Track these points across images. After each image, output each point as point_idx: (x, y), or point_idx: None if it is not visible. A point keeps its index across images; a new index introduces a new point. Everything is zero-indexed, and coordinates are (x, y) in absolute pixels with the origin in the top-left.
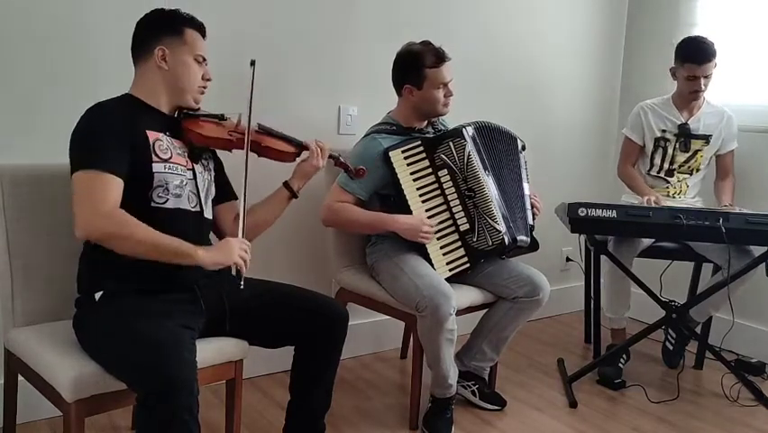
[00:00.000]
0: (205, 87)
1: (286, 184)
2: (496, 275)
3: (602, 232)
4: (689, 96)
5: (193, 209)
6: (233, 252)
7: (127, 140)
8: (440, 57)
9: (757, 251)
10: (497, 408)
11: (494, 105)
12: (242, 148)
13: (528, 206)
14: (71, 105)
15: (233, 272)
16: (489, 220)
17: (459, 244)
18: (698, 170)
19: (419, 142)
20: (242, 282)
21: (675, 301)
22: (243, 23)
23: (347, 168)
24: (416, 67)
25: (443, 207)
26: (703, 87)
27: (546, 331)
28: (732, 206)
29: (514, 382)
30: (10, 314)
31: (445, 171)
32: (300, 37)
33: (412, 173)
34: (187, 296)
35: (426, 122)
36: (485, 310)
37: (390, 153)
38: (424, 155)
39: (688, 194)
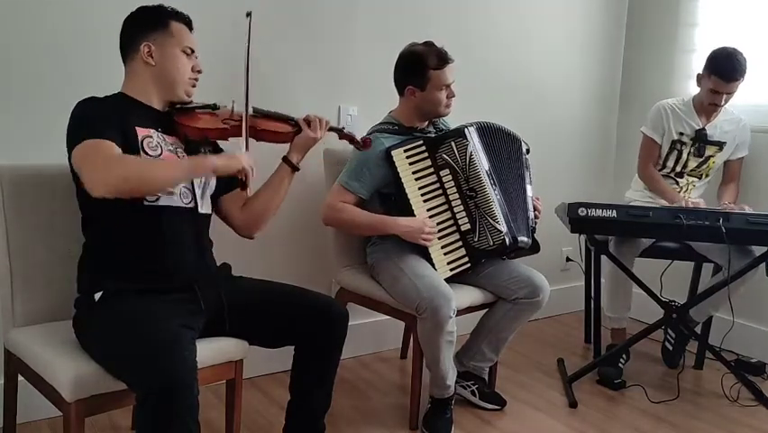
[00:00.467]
0: (196, 80)
1: (285, 159)
2: (496, 276)
3: (602, 232)
4: (708, 106)
5: (186, 206)
6: (242, 160)
7: (118, 125)
8: (443, 59)
9: (758, 251)
10: (496, 408)
11: (494, 106)
12: (239, 136)
13: (531, 207)
14: (71, 106)
15: (239, 179)
16: (491, 220)
17: (460, 243)
18: (707, 176)
19: (421, 142)
20: (248, 190)
21: (675, 301)
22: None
23: (352, 139)
24: (419, 68)
25: (445, 206)
26: (724, 102)
27: (546, 331)
28: (731, 204)
29: (514, 382)
30: (10, 314)
31: (447, 171)
32: (300, 37)
33: (414, 172)
34: (186, 296)
35: (428, 122)
36: (485, 311)
37: (393, 153)
38: (426, 155)
39: (692, 195)
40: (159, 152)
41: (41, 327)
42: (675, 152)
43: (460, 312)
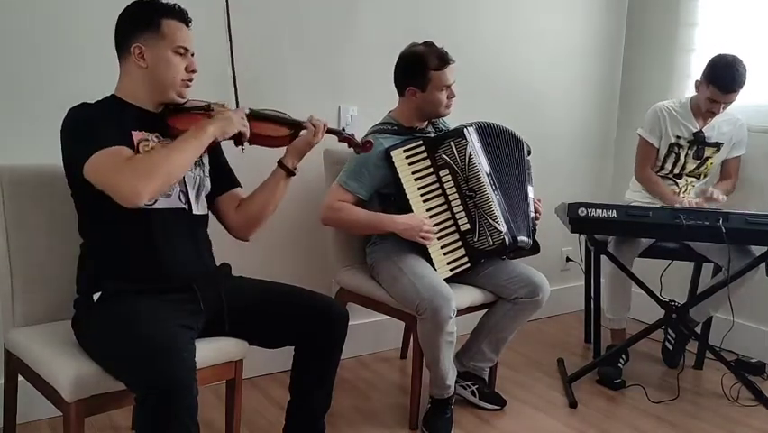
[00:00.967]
0: (190, 80)
1: (280, 162)
2: (496, 275)
3: (602, 232)
4: (705, 112)
5: (181, 207)
6: (235, 122)
7: (114, 127)
8: (444, 59)
9: (757, 251)
10: (496, 408)
11: (494, 106)
12: (232, 138)
13: (531, 208)
14: (71, 106)
15: (236, 141)
16: (490, 220)
17: (459, 243)
18: (705, 176)
19: (421, 142)
20: (243, 148)
21: (675, 301)
22: (243, 23)
23: (351, 141)
24: (420, 69)
25: (444, 206)
26: (722, 110)
27: (546, 331)
28: (714, 195)
29: (514, 382)
30: (10, 314)
31: (446, 171)
32: (300, 37)
33: (413, 173)
34: (186, 296)
35: (427, 122)
36: (485, 310)
37: (392, 153)
38: (425, 155)
39: (691, 195)
40: None
41: (40, 327)
42: (673, 155)
43: (460, 312)
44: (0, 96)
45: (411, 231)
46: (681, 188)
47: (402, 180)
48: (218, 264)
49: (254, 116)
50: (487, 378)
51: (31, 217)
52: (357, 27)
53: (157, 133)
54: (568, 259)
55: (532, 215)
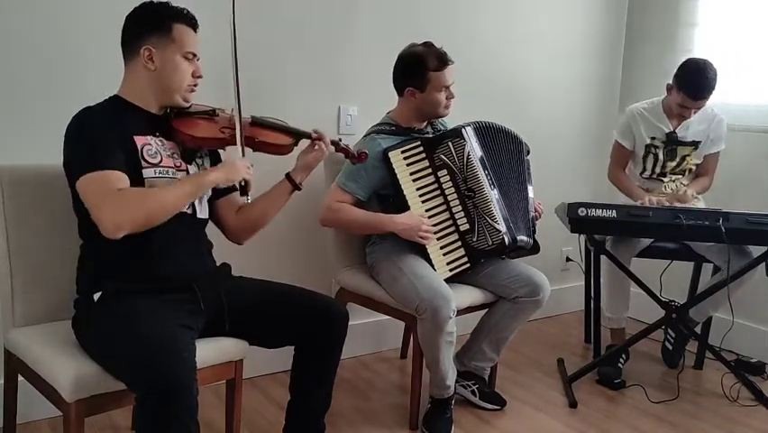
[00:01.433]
0: (195, 85)
1: (288, 177)
2: (496, 275)
3: (602, 232)
4: (677, 115)
5: (185, 212)
6: (240, 170)
7: (116, 143)
8: (443, 60)
9: (757, 251)
10: (497, 407)
11: (494, 106)
12: (236, 144)
13: (531, 207)
14: (71, 106)
15: (239, 187)
16: (489, 220)
17: (459, 244)
18: (690, 171)
19: (419, 143)
20: (248, 197)
21: (675, 301)
22: (243, 23)
23: (348, 153)
24: (419, 69)
25: (443, 207)
26: (692, 115)
27: (546, 331)
28: (687, 193)
29: (514, 382)
30: (10, 314)
31: (445, 172)
32: (300, 37)
33: (411, 174)
34: (186, 296)
35: (426, 122)
36: (485, 310)
37: (390, 154)
38: (423, 155)
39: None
40: (158, 159)
41: (40, 327)
42: (651, 156)
43: (460, 312)
44: (0, 96)
45: (410, 231)
46: (667, 186)
47: (400, 181)
48: (218, 264)
49: (257, 124)
50: (487, 378)
51: (31, 217)
52: (357, 27)
53: (159, 136)
54: (568, 259)
55: (532, 214)
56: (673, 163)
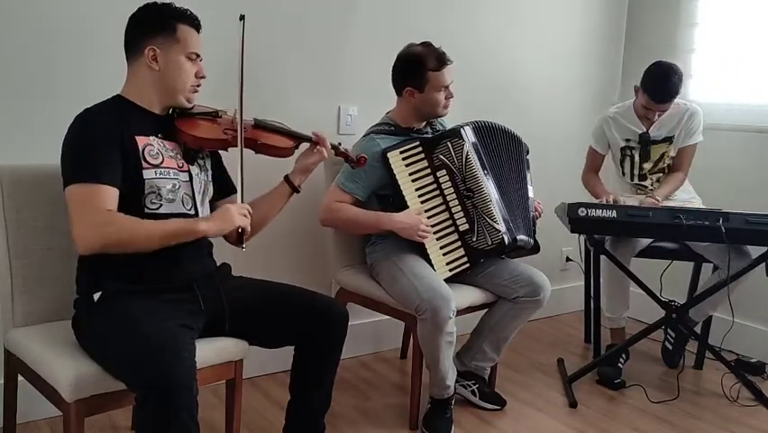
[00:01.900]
0: (198, 86)
1: (287, 179)
2: (496, 275)
3: (602, 232)
4: (642, 117)
5: (188, 212)
6: (234, 216)
7: (117, 147)
8: (442, 60)
9: (756, 251)
10: (497, 407)
11: (493, 106)
12: (238, 146)
13: (531, 207)
14: (71, 106)
15: (235, 234)
16: (489, 220)
17: (458, 244)
18: (670, 168)
19: (418, 143)
20: (244, 246)
21: (675, 301)
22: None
23: (347, 157)
24: (417, 69)
25: (442, 207)
26: (657, 117)
27: (546, 331)
28: (657, 199)
29: (514, 382)
30: (10, 314)
31: (444, 172)
32: (300, 37)
33: (410, 174)
34: (186, 296)
35: (425, 122)
36: (485, 310)
37: (388, 154)
38: (422, 156)
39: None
40: (160, 159)
41: (41, 327)
42: (628, 158)
43: (460, 312)
44: (0, 96)
45: (409, 230)
46: (651, 189)
47: (399, 182)
48: (218, 264)
49: (260, 126)
50: (487, 378)
51: (31, 217)
52: (357, 27)
53: (161, 136)
54: (568, 259)
55: (532, 213)
56: (650, 164)
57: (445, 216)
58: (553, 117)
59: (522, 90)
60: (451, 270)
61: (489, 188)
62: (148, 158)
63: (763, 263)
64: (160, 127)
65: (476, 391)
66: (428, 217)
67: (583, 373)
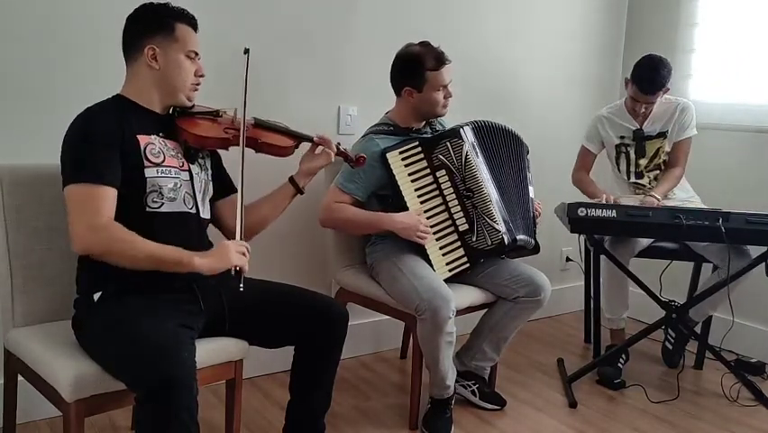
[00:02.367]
0: (198, 84)
1: (292, 180)
2: (496, 275)
3: (602, 232)
4: (630, 110)
5: (189, 211)
6: (231, 255)
7: (117, 147)
8: (440, 59)
9: (756, 251)
10: (497, 407)
11: (493, 106)
12: (239, 145)
13: (531, 206)
14: (71, 105)
15: (233, 273)
16: (489, 220)
17: (458, 244)
18: (666, 163)
19: (417, 143)
20: (241, 285)
21: (675, 301)
22: (243, 23)
23: (347, 157)
24: (416, 69)
25: (442, 207)
26: (644, 110)
27: (546, 331)
28: (656, 197)
29: (514, 381)
30: (10, 314)
31: (443, 172)
32: (300, 37)
33: (410, 174)
34: (186, 296)
35: (424, 122)
36: (485, 310)
37: (388, 155)
38: (421, 156)
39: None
40: (161, 158)
41: (41, 327)
42: (623, 156)
43: (460, 312)
44: (0, 96)
45: (408, 230)
46: (649, 186)
47: (398, 182)
48: None
49: (260, 125)
50: (487, 378)
51: (30, 217)
52: (357, 27)
53: (161, 134)
54: (568, 259)
55: (532, 213)
56: (646, 160)
57: (445, 216)
58: (553, 117)
59: (522, 90)
60: (450, 270)
61: (489, 188)
62: (149, 156)
63: (763, 263)
64: (161, 126)
65: (476, 391)
66: (428, 218)
67: (583, 373)
